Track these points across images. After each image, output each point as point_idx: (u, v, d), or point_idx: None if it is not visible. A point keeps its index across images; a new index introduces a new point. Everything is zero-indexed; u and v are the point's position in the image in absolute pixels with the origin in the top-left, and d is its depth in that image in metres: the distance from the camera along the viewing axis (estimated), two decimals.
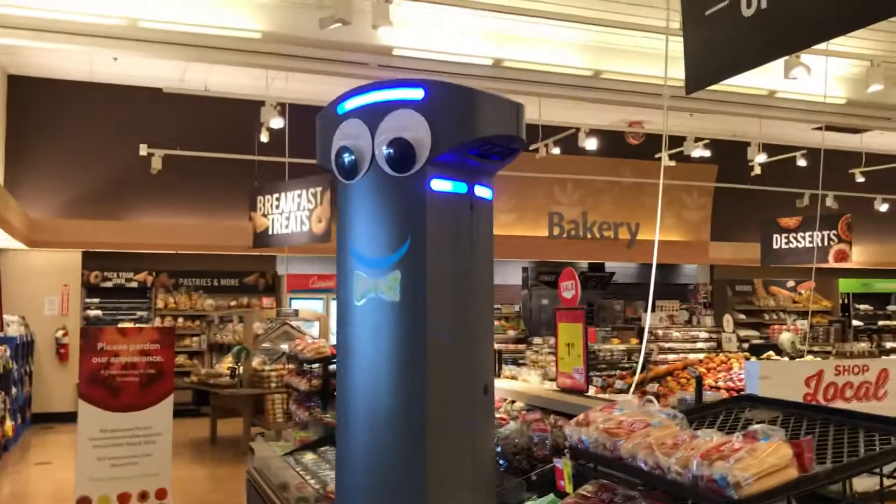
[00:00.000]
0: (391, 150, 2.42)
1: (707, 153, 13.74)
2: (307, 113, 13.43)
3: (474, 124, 2.48)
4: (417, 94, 2.46)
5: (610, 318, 16.10)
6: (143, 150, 11.42)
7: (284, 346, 11.19)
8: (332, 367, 6.38)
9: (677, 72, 3.42)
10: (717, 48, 2.99)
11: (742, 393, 5.33)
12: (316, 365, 6.17)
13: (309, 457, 5.06)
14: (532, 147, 13.15)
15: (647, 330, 4.34)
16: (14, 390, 10.13)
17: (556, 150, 13.09)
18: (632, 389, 4.72)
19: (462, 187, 2.53)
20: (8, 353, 7.11)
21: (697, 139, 13.11)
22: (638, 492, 2.32)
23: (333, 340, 10.95)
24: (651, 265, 4.63)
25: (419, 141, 2.42)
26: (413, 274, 2.41)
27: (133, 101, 12.99)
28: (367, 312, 2.49)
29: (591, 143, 12.53)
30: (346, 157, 2.54)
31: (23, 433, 11.37)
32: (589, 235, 15.49)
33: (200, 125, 13.04)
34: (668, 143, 10.21)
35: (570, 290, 4.08)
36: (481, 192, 2.60)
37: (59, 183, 13.05)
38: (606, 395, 5.07)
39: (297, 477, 4.50)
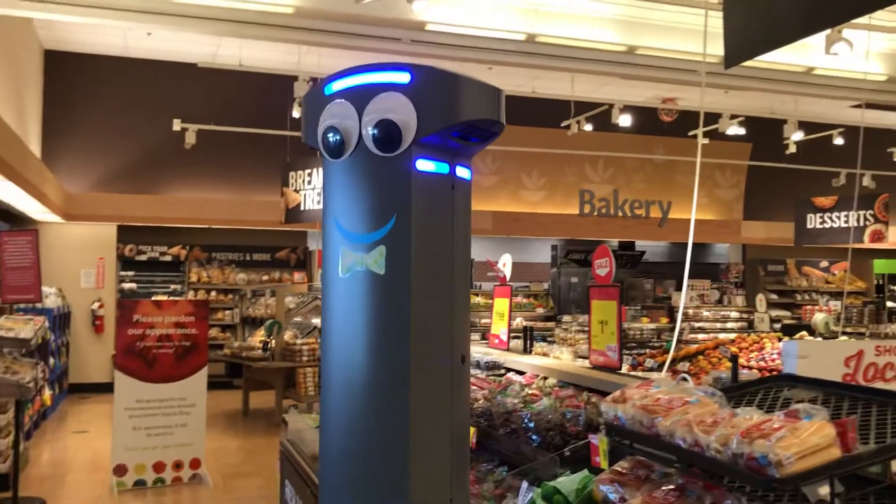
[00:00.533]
0: (378, 131, 2.53)
1: (742, 131, 13.55)
2: None
3: (458, 108, 2.59)
4: (404, 77, 2.56)
5: (640, 296, 16.01)
6: (177, 124, 11.50)
7: (315, 321, 11.30)
8: None
9: (714, 48, 3.37)
10: (757, 22, 2.94)
11: (779, 372, 5.29)
12: None
13: None
14: (563, 124, 13.06)
15: (681, 308, 4.31)
16: (52, 361, 10.34)
17: (588, 127, 12.99)
18: (666, 367, 4.70)
19: (444, 167, 2.64)
20: (46, 324, 7.26)
21: (732, 116, 12.93)
22: (674, 469, 2.33)
23: None
24: (682, 244, 4.58)
25: (405, 123, 2.52)
26: (398, 249, 2.52)
27: (167, 76, 13.09)
28: (352, 284, 2.60)
29: (624, 120, 12.40)
30: (333, 137, 2.62)
31: (60, 402, 11.62)
32: (620, 214, 15.39)
33: (234, 100, 13.12)
34: (701, 120, 10.08)
35: (604, 267, 4.06)
36: (461, 172, 2.72)
37: (95, 157, 13.21)
38: (638, 374, 5.06)
39: None
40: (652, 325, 13.17)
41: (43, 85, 12.94)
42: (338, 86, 2.70)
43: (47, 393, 10.02)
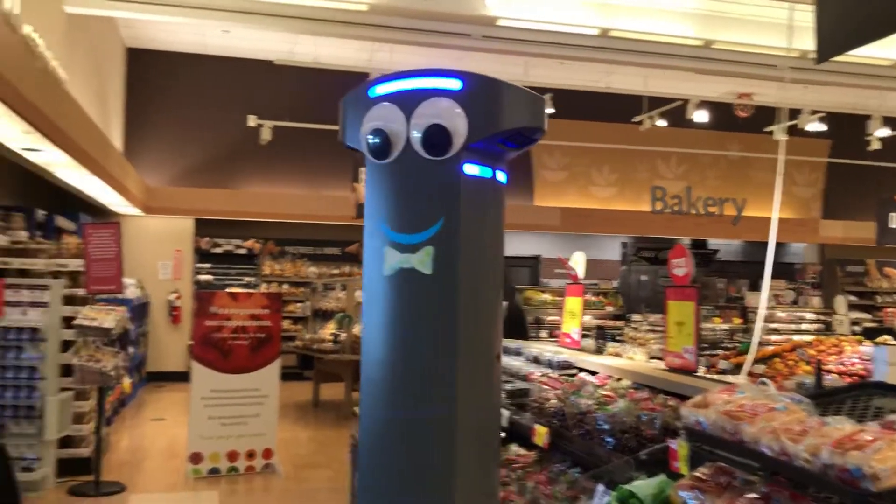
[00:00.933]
0: (428, 135, 2.59)
1: (822, 127, 13.13)
2: None
3: (507, 115, 2.69)
4: (455, 84, 2.64)
5: (712, 296, 15.67)
6: (252, 120, 11.74)
7: None
8: None
9: (797, 42, 3.27)
10: (852, 15, 2.84)
11: (864, 378, 5.12)
12: None
13: None
14: (636, 119, 12.86)
15: (762, 310, 4.21)
16: (131, 350, 10.68)
17: (661, 122, 12.77)
18: (744, 371, 4.59)
19: (488, 172, 2.73)
20: (127, 314, 7.50)
21: (813, 112, 12.53)
22: (758, 477, 2.27)
23: None
24: (757, 242, 4.46)
25: (456, 128, 2.59)
26: (446, 250, 2.60)
27: (243, 73, 13.38)
28: (397, 283, 2.66)
29: (699, 116, 12.14)
30: (379, 139, 2.67)
31: (139, 390, 12.00)
32: (693, 211, 15.10)
33: (307, 96, 13.32)
34: (781, 116, 9.80)
35: (681, 267, 3.99)
36: (500, 176, 2.81)
37: (174, 152, 13.59)
38: (714, 376, 4.96)
39: None
40: (725, 326, 12.89)
41: (125, 82, 13.36)
42: (383, 89, 2.75)
43: (127, 381, 10.35)
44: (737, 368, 7.63)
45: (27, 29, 5.23)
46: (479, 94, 2.65)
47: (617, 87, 13.23)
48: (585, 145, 14.56)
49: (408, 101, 2.66)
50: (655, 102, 12.61)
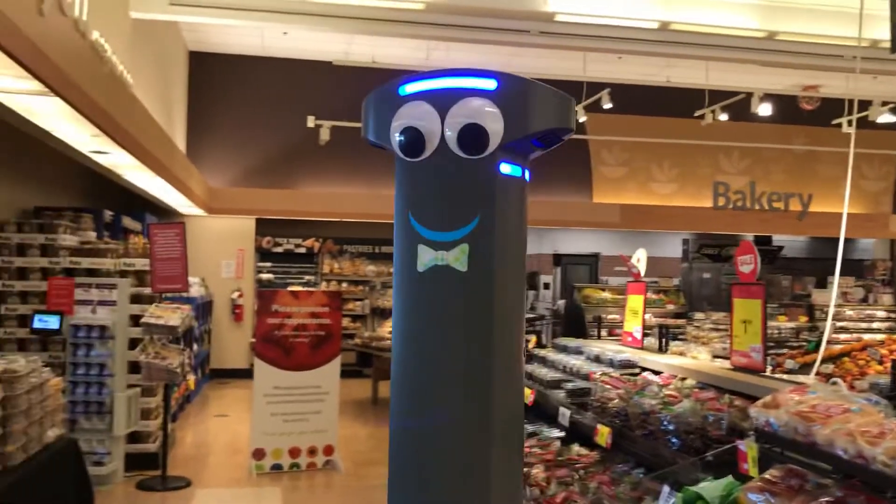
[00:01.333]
0: (465, 134, 2.62)
1: (893, 118, 12.69)
2: None
3: (541, 116, 2.73)
4: (490, 84, 2.67)
5: (777, 293, 15.28)
6: (311, 121, 11.88)
7: None
8: None
9: (865, 31, 3.15)
10: None
11: None
12: None
13: None
14: (697, 113, 12.62)
15: (832, 307, 4.08)
16: (195, 347, 10.92)
17: (724, 117, 12.50)
18: (814, 370, 4.46)
19: (518, 171, 2.77)
20: (192, 312, 7.66)
21: (883, 103, 12.12)
22: (831, 480, 2.20)
23: None
24: (824, 238, 4.32)
25: (493, 128, 2.63)
26: (481, 248, 2.63)
27: (302, 74, 13.54)
28: (431, 280, 2.67)
29: (764, 109, 11.85)
30: (412, 137, 2.68)
31: (202, 387, 12.26)
32: (757, 206, 14.75)
33: (364, 96, 13.39)
34: (850, 108, 9.50)
35: (748, 264, 3.89)
36: (527, 174, 2.86)
37: (235, 153, 13.84)
38: (782, 376, 4.83)
39: None
40: (790, 324, 12.56)
41: (188, 85, 13.65)
42: (414, 87, 2.76)
43: (191, 378, 10.58)
44: (804, 368, 7.43)
45: (95, 35, 5.38)
46: (514, 94, 2.68)
47: (677, 81, 13.01)
48: (645, 140, 14.35)
49: (442, 100, 2.69)
50: (717, 96, 12.35)
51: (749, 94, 11.77)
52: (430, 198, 2.72)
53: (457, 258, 2.64)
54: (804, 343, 11.44)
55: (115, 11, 7.25)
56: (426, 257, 2.69)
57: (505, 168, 2.67)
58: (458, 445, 2.64)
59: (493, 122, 2.63)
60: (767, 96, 12.09)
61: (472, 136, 2.63)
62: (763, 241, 16.32)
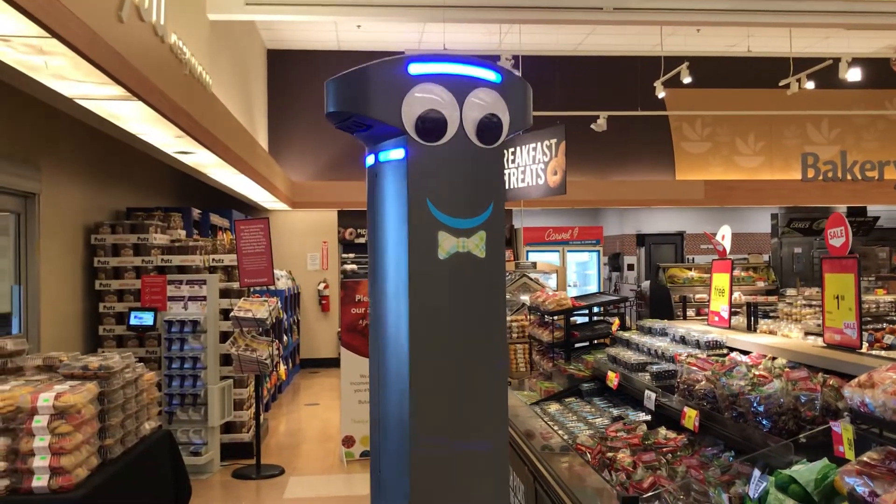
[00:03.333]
0: (485, 124, 2.75)
1: None
2: (541, 64, 13.41)
3: (529, 112, 2.96)
4: (494, 76, 2.82)
5: (873, 266, 14.64)
6: None
7: (524, 298, 11.37)
8: (574, 318, 6.38)
9: None
10: None
11: None
12: (557, 316, 6.19)
13: (554, 407, 5.11)
14: (782, 83, 12.16)
15: None
16: (285, 338, 11.19)
17: (810, 85, 12.00)
18: None
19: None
20: (279, 304, 7.84)
21: None
22: None
23: (572, 292, 10.92)
24: None
25: (504, 119, 2.81)
26: (495, 234, 2.81)
27: None
28: (453, 267, 2.77)
29: (853, 74, 11.29)
30: (436, 121, 2.72)
31: (293, 377, 12.56)
32: (849, 177, 14.13)
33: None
34: None
35: (839, 237, 3.73)
36: None
37: (315, 148, 14.08)
38: (880, 353, 4.61)
39: (545, 426, 4.56)
40: (889, 298, 11.99)
41: (267, 83, 13.94)
42: (424, 68, 2.77)
43: (282, 368, 10.85)
44: None
45: (173, 38, 5.53)
46: (515, 90, 2.88)
47: (759, 51, 12.56)
48: (728, 113, 13.91)
49: (457, 87, 2.77)
50: (802, 63, 11.86)
51: (836, 60, 11.25)
52: (453, 185, 2.78)
53: (476, 245, 2.76)
54: None
55: (192, 14, 7.44)
56: (448, 244, 2.75)
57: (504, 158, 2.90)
58: (475, 407, 2.84)
59: (504, 114, 2.80)
60: (856, 61, 11.53)
61: (490, 127, 2.76)
62: (857, 213, 15.65)
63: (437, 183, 2.77)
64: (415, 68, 2.77)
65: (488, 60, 2.84)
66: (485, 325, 2.83)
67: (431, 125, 2.72)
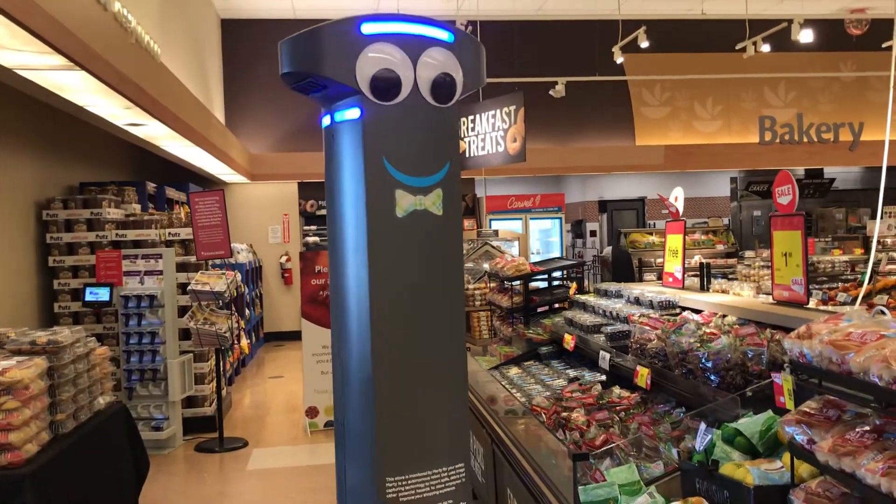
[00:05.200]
0: (440, 84, 2.78)
1: None
2: (499, 29, 13.32)
3: (482, 72, 2.99)
4: (446, 35, 2.83)
5: (830, 227, 14.92)
6: None
7: (486, 266, 11.41)
8: (533, 283, 6.41)
9: None
10: None
11: None
12: (516, 282, 6.22)
13: (514, 371, 5.15)
14: (738, 46, 12.23)
15: (875, 237, 3.95)
16: (247, 312, 11.12)
17: (766, 48, 12.06)
18: (859, 300, 4.34)
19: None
20: (239, 277, 7.79)
21: None
22: (870, 409, 2.14)
23: (533, 258, 10.97)
24: (878, 168, 4.17)
25: (458, 79, 2.83)
26: (451, 192, 2.85)
27: None
28: (411, 224, 2.81)
29: (806, 36, 11.34)
30: (390, 80, 2.73)
31: (257, 350, 12.51)
32: (805, 139, 14.34)
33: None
34: None
35: (786, 195, 3.78)
36: None
37: (273, 119, 13.90)
38: (823, 308, 4.71)
39: (504, 390, 4.60)
40: (844, 258, 12.21)
41: (222, 53, 13.69)
42: (377, 28, 2.77)
43: (245, 342, 10.80)
44: (856, 301, 7.24)
45: (117, 6, 5.39)
46: (467, 48, 2.88)
47: (714, 13, 12.60)
48: (686, 77, 13.98)
49: (412, 46, 2.77)
50: (758, 26, 11.93)
51: (790, 22, 11.33)
52: (409, 144, 2.80)
53: (434, 202, 2.80)
54: (859, 276, 11.14)
55: None
56: (405, 202, 2.77)
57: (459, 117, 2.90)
58: (437, 368, 2.91)
59: (457, 73, 2.82)
60: (812, 23, 11.62)
61: (444, 86, 2.78)
62: (814, 175, 15.90)
63: (393, 142, 2.79)
64: (367, 28, 2.77)
65: (442, 21, 2.86)
66: (443, 279, 2.86)
67: (385, 84, 2.73)
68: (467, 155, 11.15)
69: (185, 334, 7.23)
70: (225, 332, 6.92)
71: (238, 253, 11.17)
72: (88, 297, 6.86)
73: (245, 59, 13.68)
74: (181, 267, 7.58)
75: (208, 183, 12.87)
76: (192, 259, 7.66)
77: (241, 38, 13.66)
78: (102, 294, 6.86)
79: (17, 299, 6.66)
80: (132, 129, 7.17)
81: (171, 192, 10.28)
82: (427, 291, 2.85)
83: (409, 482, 2.83)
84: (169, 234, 7.76)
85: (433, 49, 2.78)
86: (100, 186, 8.05)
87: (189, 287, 7.07)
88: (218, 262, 7.90)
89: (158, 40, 6.92)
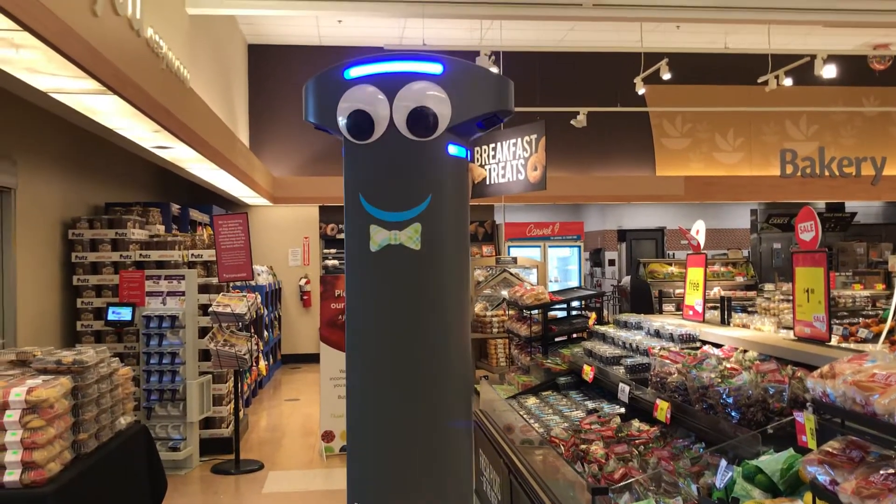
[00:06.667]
0: (415, 118, 2.75)
1: None
2: (521, 60, 13.43)
3: (486, 99, 2.86)
4: (436, 68, 2.80)
5: (851, 262, 14.82)
6: None
7: (504, 293, 11.41)
8: (552, 313, 6.42)
9: None
10: None
11: None
12: (535, 311, 6.22)
13: (532, 401, 5.14)
14: (761, 80, 12.25)
15: None
16: (266, 334, 11.17)
17: (788, 82, 12.08)
18: (882, 339, 4.31)
19: (463, 151, 2.93)
20: (259, 300, 7.84)
21: None
22: (894, 451, 2.13)
23: (553, 288, 10.97)
24: None
25: (440, 111, 2.76)
26: (433, 226, 2.78)
27: None
28: (384, 259, 2.82)
29: (829, 71, 11.37)
30: (360, 119, 2.81)
31: (274, 372, 12.54)
32: (827, 173, 14.27)
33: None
34: None
35: (808, 231, 3.78)
36: (468, 154, 3.02)
37: (297, 143, 14.04)
38: (850, 345, 4.67)
39: (521, 420, 4.59)
40: (865, 293, 12.12)
41: (248, 77, 13.88)
42: (359, 71, 2.87)
43: (262, 363, 10.83)
44: (878, 337, 7.18)
45: (150, 32, 5.50)
46: (460, 77, 2.83)
47: (738, 47, 12.65)
48: (708, 110, 14.01)
49: (390, 84, 2.81)
50: (781, 60, 11.95)
51: (814, 57, 11.36)
52: (382, 179, 2.85)
53: (410, 237, 2.79)
54: (881, 312, 11.04)
55: (171, 8, 7.40)
56: (379, 237, 2.81)
57: (453, 150, 2.82)
58: (419, 410, 2.85)
59: (440, 105, 2.77)
60: (835, 58, 11.63)
61: (420, 119, 2.76)
62: (835, 209, 15.82)
63: (368, 178, 2.87)
64: (353, 72, 2.90)
65: (435, 54, 2.85)
66: (419, 314, 2.83)
67: (356, 125, 2.83)
68: (487, 182, 11.20)
69: (204, 355, 7.28)
70: (244, 354, 6.96)
71: (258, 275, 11.25)
72: (111, 317, 6.94)
73: (270, 84, 13.87)
74: (203, 288, 7.65)
75: (231, 205, 13.00)
76: (214, 280, 7.73)
77: (267, 63, 13.86)
78: (125, 314, 6.93)
79: (41, 316, 6.75)
80: (159, 152, 7.29)
81: (195, 214, 10.39)
82: (400, 327, 2.83)
83: None
84: (192, 255, 7.84)
85: (414, 83, 2.79)
86: (125, 207, 8.16)
87: (210, 308, 7.13)
88: (239, 284, 7.96)
89: (187, 65, 7.04)
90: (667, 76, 11.27)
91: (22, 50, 3.74)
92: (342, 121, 2.85)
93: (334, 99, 2.87)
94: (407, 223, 2.79)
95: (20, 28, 3.37)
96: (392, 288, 2.82)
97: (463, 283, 2.89)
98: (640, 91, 11.60)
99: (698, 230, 5.32)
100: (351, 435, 2.92)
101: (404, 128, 2.77)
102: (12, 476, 3.26)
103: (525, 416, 4.75)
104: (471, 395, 3.07)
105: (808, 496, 2.32)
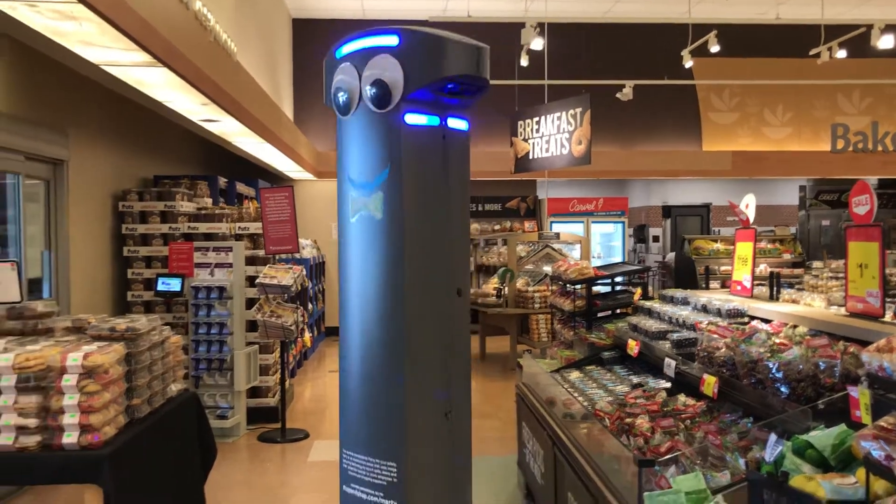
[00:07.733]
0: (373, 90, 2.85)
1: None
2: (567, 32, 13.27)
3: (440, 66, 2.88)
4: (392, 40, 2.88)
5: None
6: None
7: (547, 268, 11.38)
8: (596, 288, 6.38)
9: None
10: None
11: None
12: (579, 286, 6.20)
13: (575, 375, 5.14)
14: (813, 52, 11.95)
15: None
16: (310, 306, 11.29)
17: (842, 53, 11.76)
18: None
19: (435, 120, 2.94)
20: (304, 272, 7.92)
21: None
22: None
23: (596, 263, 10.93)
24: None
25: (394, 81, 2.83)
26: (393, 195, 2.86)
27: None
28: (359, 228, 2.95)
29: (885, 42, 11.02)
30: (342, 97, 2.96)
31: (319, 344, 12.70)
32: (880, 148, 13.91)
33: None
34: None
35: (863, 204, 3.69)
36: (455, 123, 3.01)
37: None
38: None
39: (565, 393, 4.59)
40: None
41: (293, 52, 13.94)
42: (345, 49, 3.02)
43: (307, 335, 10.95)
44: None
45: (198, 5, 5.55)
46: (415, 48, 2.86)
47: (789, 18, 12.33)
48: (757, 83, 13.72)
49: (360, 60, 2.94)
50: (833, 31, 11.63)
51: (869, 27, 11.01)
52: (355, 151, 2.98)
53: (375, 206, 2.88)
54: None
55: None
56: (355, 207, 2.95)
57: (414, 119, 2.86)
58: (382, 374, 2.93)
59: (394, 75, 2.83)
60: (891, 28, 11.29)
61: (378, 90, 2.85)
62: (888, 185, 15.43)
63: (348, 151, 3.02)
64: (341, 51, 3.04)
65: (394, 28, 2.88)
66: (385, 283, 2.90)
67: (338, 101, 2.98)
68: (531, 157, 11.14)
69: (251, 326, 7.40)
70: (290, 325, 7.05)
71: (303, 248, 11.36)
72: (161, 287, 7.08)
73: (314, 58, 13.90)
74: (250, 260, 7.76)
75: (276, 179, 13.13)
76: (261, 253, 7.84)
77: (311, 36, 13.90)
78: (174, 284, 7.06)
79: (93, 286, 6.91)
80: (207, 125, 7.37)
81: (241, 187, 10.52)
82: (370, 295, 2.93)
83: (353, 459, 3.04)
84: (238, 227, 7.94)
85: (376, 58, 2.89)
86: (173, 180, 8.29)
87: (257, 280, 7.23)
88: (285, 256, 8.06)
89: (234, 38, 7.10)
90: (715, 48, 11.06)
91: (76, 22, 3.80)
92: (333, 99, 3.03)
93: (330, 79, 3.06)
94: (372, 192, 2.90)
95: (76, 0, 3.43)
96: (364, 257, 2.95)
97: (437, 251, 2.93)
98: (688, 64, 11.40)
99: (748, 204, 5.24)
100: (341, 379, 3.10)
101: (368, 101, 2.88)
102: (70, 438, 3.35)
103: (569, 389, 4.75)
104: (448, 367, 3.15)
105: (861, 471, 2.29)
